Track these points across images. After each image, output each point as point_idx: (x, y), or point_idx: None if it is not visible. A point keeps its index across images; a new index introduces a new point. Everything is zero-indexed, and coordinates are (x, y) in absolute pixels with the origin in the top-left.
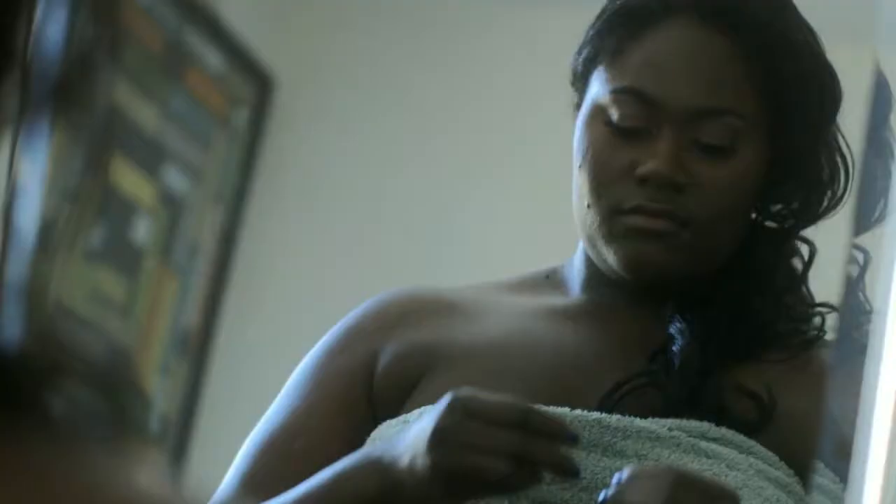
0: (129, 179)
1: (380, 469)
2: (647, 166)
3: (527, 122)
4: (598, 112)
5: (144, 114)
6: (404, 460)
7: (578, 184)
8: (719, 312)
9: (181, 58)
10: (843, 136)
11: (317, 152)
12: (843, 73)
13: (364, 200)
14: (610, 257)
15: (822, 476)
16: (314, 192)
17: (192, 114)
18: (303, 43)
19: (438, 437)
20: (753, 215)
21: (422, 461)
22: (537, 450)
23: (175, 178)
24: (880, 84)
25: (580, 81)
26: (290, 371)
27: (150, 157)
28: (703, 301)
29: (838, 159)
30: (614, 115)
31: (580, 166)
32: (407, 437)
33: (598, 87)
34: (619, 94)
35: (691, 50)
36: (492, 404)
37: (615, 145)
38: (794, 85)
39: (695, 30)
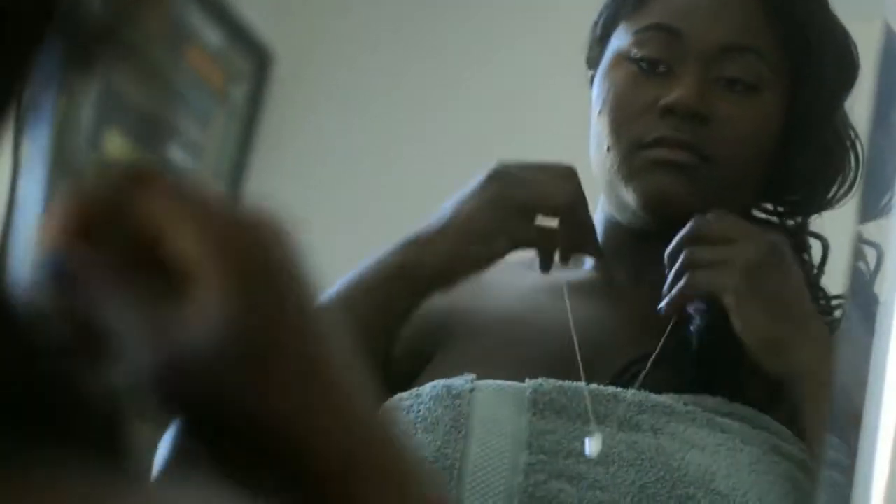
0: (129, 156)
1: (407, 242)
2: (672, 96)
3: (529, 100)
4: (621, 58)
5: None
6: (437, 219)
7: (597, 130)
8: None
9: (182, 36)
10: (854, 128)
11: (315, 128)
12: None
13: (362, 176)
14: (630, 197)
15: (837, 451)
16: (313, 167)
17: (192, 90)
18: (301, 18)
19: (497, 173)
20: (770, 205)
21: (474, 200)
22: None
23: (175, 155)
24: (889, 56)
25: (598, 46)
26: None
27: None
28: None
29: (848, 144)
30: (638, 53)
31: (599, 112)
32: (438, 212)
33: (618, 41)
34: (643, 32)
35: None
36: (538, 161)
37: (638, 82)
38: (815, 41)
39: None
